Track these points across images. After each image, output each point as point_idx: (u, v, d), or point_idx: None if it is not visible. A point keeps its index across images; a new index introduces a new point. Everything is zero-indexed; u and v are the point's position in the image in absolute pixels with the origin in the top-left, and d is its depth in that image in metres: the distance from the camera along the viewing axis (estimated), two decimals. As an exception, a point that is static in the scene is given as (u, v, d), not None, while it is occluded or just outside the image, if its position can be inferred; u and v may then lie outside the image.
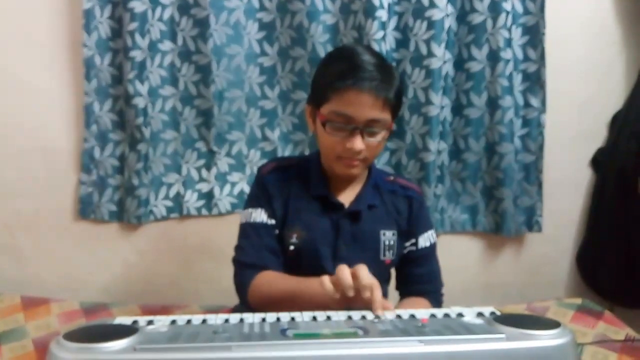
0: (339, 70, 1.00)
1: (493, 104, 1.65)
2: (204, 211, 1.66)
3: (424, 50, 1.58)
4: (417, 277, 1.16)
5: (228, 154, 1.66)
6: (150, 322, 0.71)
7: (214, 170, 1.66)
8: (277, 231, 1.09)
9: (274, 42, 1.62)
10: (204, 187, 1.66)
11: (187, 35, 1.57)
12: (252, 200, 1.13)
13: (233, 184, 1.68)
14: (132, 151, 1.57)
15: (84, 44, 1.53)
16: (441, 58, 1.58)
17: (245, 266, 1.07)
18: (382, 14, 1.53)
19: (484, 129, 1.69)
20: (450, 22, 1.60)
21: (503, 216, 1.71)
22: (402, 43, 1.63)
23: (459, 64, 1.66)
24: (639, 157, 1.67)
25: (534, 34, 1.66)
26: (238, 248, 1.11)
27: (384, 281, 1.15)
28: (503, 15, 1.58)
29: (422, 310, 0.79)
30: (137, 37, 1.50)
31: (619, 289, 1.74)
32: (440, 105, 1.61)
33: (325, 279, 0.84)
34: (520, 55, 1.67)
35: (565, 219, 1.83)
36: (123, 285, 1.68)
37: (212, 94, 1.58)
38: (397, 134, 1.68)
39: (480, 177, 1.73)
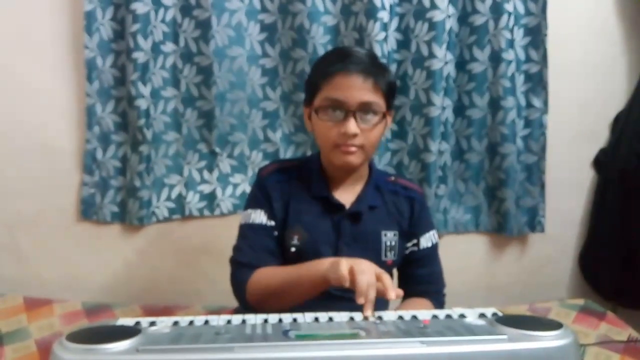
0: (328, 61, 1.04)
1: (495, 105, 1.65)
2: (206, 212, 1.66)
3: (425, 51, 1.58)
4: (419, 277, 1.16)
5: (230, 156, 1.66)
6: (152, 323, 0.71)
7: (215, 172, 1.66)
8: (276, 233, 1.10)
9: (275, 44, 1.62)
10: (205, 189, 1.66)
11: (189, 37, 1.57)
12: (252, 201, 1.13)
13: (235, 185, 1.68)
14: (134, 152, 1.57)
15: (86, 46, 1.53)
16: (442, 59, 1.58)
17: (241, 265, 1.07)
18: (383, 15, 1.54)
19: (486, 129, 1.69)
20: (451, 23, 1.60)
21: (505, 216, 1.71)
22: (403, 44, 1.63)
23: (461, 65, 1.66)
24: (642, 157, 1.67)
25: (536, 35, 1.66)
26: (236, 249, 1.11)
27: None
28: (505, 16, 1.58)
29: (424, 311, 0.79)
30: (140, 38, 1.50)
31: (622, 290, 1.74)
32: (441, 106, 1.61)
33: (343, 267, 0.83)
34: (522, 56, 1.67)
35: (568, 219, 1.83)
36: (125, 286, 1.68)
37: (214, 95, 1.59)
38: (398, 135, 1.68)
39: (482, 178, 1.73)
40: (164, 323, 0.71)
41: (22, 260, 1.64)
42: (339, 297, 1.00)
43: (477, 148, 1.71)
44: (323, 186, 1.11)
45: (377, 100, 1.02)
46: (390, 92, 1.06)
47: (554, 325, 0.68)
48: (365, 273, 0.82)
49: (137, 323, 0.71)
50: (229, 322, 0.73)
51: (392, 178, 1.19)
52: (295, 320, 0.75)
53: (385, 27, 1.55)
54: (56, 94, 1.59)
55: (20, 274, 1.64)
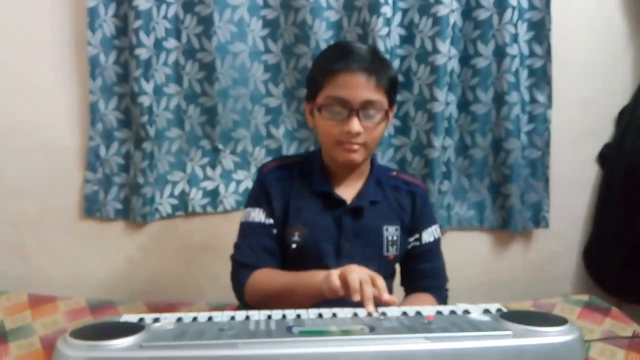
0: (330, 58, 1.04)
1: (499, 100, 1.64)
2: (209, 209, 1.66)
3: (429, 46, 1.58)
4: (422, 272, 1.16)
5: (233, 152, 1.66)
6: (156, 320, 0.71)
7: (218, 168, 1.66)
8: (275, 231, 1.10)
9: (278, 40, 1.61)
10: (209, 185, 1.66)
11: (192, 33, 1.57)
12: (252, 199, 1.13)
13: (238, 182, 1.68)
14: (137, 149, 1.57)
15: (89, 42, 1.53)
16: (446, 54, 1.57)
17: (241, 265, 1.08)
18: (386, 10, 1.53)
19: (490, 125, 1.68)
20: (455, 18, 1.59)
21: (510, 212, 1.70)
22: (407, 39, 1.62)
23: (465, 60, 1.65)
24: (646, 152, 1.66)
25: (540, 30, 1.65)
26: (236, 247, 1.12)
27: (388, 277, 1.14)
28: (509, 10, 1.57)
29: (428, 307, 0.79)
30: (142, 35, 1.50)
31: (626, 285, 1.73)
32: (445, 101, 1.60)
33: (334, 277, 0.84)
34: (526, 50, 1.66)
35: (572, 215, 1.83)
36: (129, 283, 1.68)
37: (217, 91, 1.58)
38: (401, 131, 1.68)
39: (487, 174, 1.73)
40: (167, 319, 0.71)
41: (26, 257, 1.64)
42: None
43: (481, 144, 1.70)
44: (324, 182, 1.10)
45: (379, 98, 1.02)
46: (392, 88, 1.06)
47: (559, 321, 0.67)
48: (355, 271, 0.83)
49: (141, 319, 0.71)
50: (232, 318, 0.73)
51: (394, 173, 1.19)
52: (299, 316, 0.75)
53: (388, 22, 1.54)
54: (59, 91, 1.59)
55: (25, 272, 1.64)
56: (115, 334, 0.61)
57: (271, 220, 1.09)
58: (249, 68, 1.60)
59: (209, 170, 1.66)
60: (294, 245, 1.08)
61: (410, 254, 1.16)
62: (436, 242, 1.18)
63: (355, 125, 0.99)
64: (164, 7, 1.54)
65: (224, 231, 1.62)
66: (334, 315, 0.75)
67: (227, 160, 1.66)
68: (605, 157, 1.79)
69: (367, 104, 1.00)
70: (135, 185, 1.58)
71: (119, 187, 1.62)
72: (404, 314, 0.76)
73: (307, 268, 0.99)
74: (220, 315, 0.74)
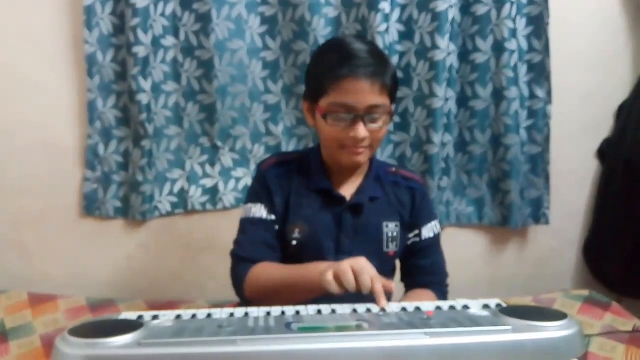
0: (333, 62, 1.01)
1: (498, 96, 1.64)
2: (209, 206, 1.66)
3: (428, 42, 1.57)
4: (422, 268, 1.16)
5: (232, 149, 1.66)
6: (155, 317, 0.71)
7: (218, 166, 1.66)
8: (277, 227, 1.09)
9: (276, 36, 1.61)
10: (208, 183, 1.66)
11: (190, 31, 1.57)
12: (252, 195, 1.13)
13: (237, 179, 1.68)
14: (136, 147, 1.57)
15: (86, 41, 1.52)
16: (445, 50, 1.57)
17: (241, 260, 1.07)
18: (385, 6, 1.52)
19: (489, 120, 1.68)
20: (454, 14, 1.58)
21: (509, 209, 1.70)
22: (406, 35, 1.61)
23: (464, 55, 1.65)
24: (646, 147, 1.65)
25: (539, 24, 1.64)
26: (236, 243, 1.11)
27: (388, 273, 1.14)
28: (507, 5, 1.57)
29: (427, 303, 0.79)
30: (140, 32, 1.49)
31: (626, 280, 1.73)
32: (444, 97, 1.60)
33: (328, 274, 0.84)
34: (525, 46, 1.66)
35: (572, 210, 1.82)
36: (129, 281, 1.68)
37: (215, 89, 1.58)
38: (401, 127, 1.68)
39: (486, 170, 1.72)
40: (166, 317, 0.71)
41: (26, 256, 1.64)
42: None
43: (481, 139, 1.69)
44: (323, 179, 1.10)
45: (383, 101, 1.01)
46: (394, 87, 1.06)
47: (559, 316, 0.67)
48: (366, 270, 0.82)
49: (140, 317, 0.71)
50: (231, 315, 0.73)
51: (393, 169, 1.19)
52: (298, 312, 0.75)
53: (387, 18, 1.54)
54: (57, 90, 1.59)
55: (25, 271, 1.64)
56: (114, 332, 0.61)
57: (272, 217, 1.09)
58: (247, 65, 1.60)
59: (208, 168, 1.66)
60: (294, 242, 1.08)
61: (410, 250, 1.16)
62: (436, 238, 1.18)
63: (362, 131, 0.99)
64: (161, 4, 1.53)
65: (223, 229, 1.62)
66: (333, 311, 0.75)
67: (226, 158, 1.66)
68: (605, 153, 1.78)
69: (372, 109, 1.00)
70: (134, 183, 1.58)
71: (119, 186, 1.62)
72: (404, 309, 0.76)
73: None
74: (219, 312, 0.74)
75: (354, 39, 1.06)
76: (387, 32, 1.55)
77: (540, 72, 1.67)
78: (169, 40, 1.57)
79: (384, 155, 1.67)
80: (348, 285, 0.82)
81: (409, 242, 1.15)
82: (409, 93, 1.63)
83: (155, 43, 1.54)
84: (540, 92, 1.68)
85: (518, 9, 1.60)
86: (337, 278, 0.83)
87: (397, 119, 1.67)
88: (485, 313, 0.72)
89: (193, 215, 1.68)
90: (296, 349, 0.60)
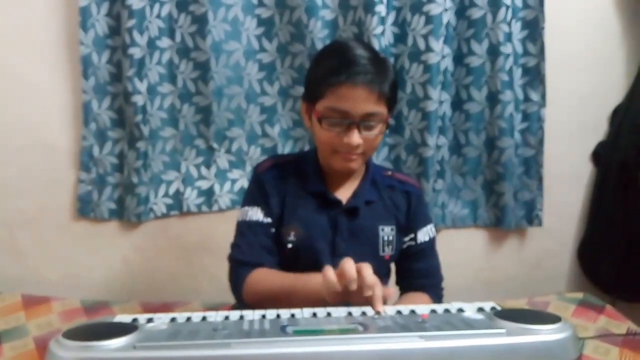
0: (332, 66, 1.00)
1: (493, 99, 1.65)
2: (204, 208, 1.66)
3: (422, 45, 1.58)
4: (417, 272, 1.16)
5: (228, 151, 1.66)
6: (150, 320, 0.71)
7: (213, 168, 1.65)
8: (273, 229, 1.09)
9: (272, 38, 1.61)
10: (203, 184, 1.66)
11: (186, 32, 1.56)
12: (249, 198, 1.13)
13: (233, 181, 1.68)
14: (131, 149, 1.57)
15: (81, 42, 1.52)
16: (439, 53, 1.57)
17: (239, 264, 1.07)
18: (381, 9, 1.53)
19: (484, 123, 1.69)
20: (449, 17, 1.59)
21: (503, 210, 1.70)
22: (400, 38, 1.62)
23: (459, 58, 1.66)
24: (640, 150, 1.66)
25: (534, 28, 1.65)
26: (234, 246, 1.11)
27: (383, 276, 1.14)
28: (503, 9, 1.58)
29: (422, 306, 0.79)
30: (136, 34, 1.49)
31: (621, 283, 1.74)
32: (438, 100, 1.61)
33: (329, 270, 0.82)
34: (519, 49, 1.67)
35: (566, 212, 1.83)
36: (124, 283, 1.67)
37: (211, 90, 1.58)
38: (395, 130, 1.68)
39: (480, 172, 1.73)
40: (161, 320, 0.71)
41: (20, 258, 1.63)
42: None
43: (475, 142, 1.70)
44: (319, 182, 1.10)
45: (380, 110, 1.01)
46: (393, 96, 1.05)
47: (553, 319, 0.68)
48: (348, 265, 0.81)
49: (135, 320, 0.71)
50: (226, 318, 0.73)
51: (389, 173, 1.19)
52: (293, 315, 0.75)
53: (382, 21, 1.54)
54: (51, 91, 1.58)
55: (19, 272, 1.63)
56: (108, 335, 0.61)
57: (269, 219, 1.09)
58: (243, 67, 1.60)
59: (203, 170, 1.66)
60: (289, 245, 1.08)
61: (405, 254, 1.16)
62: (431, 242, 1.18)
63: (355, 138, 0.99)
64: (157, 6, 1.53)
65: (219, 231, 1.63)
66: (328, 314, 0.75)
67: (222, 160, 1.66)
68: (599, 155, 1.79)
69: (367, 117, 1.00)
70: (129, 185, 1.58)
71: (113, 187, 1.62)
72: (399, 312, 0.76)
73: (303, 268, 0.99)
74: (214, 315, 0.74)
75: (356, 44, 1.04)
76: (383, 34, 1.55)
77: (534, 76, 1.68)
78: (165, 42, 1.56)
79: (379, 157, 1.67)
80: (350, 275, 0.79)
81: (405, 246, 1.15)
82: (403, 96, 1.64)
83: (151, 44, 1.54)
84: (534, 96, 1.69)
85: (513, 12, 1.61)
86: (339, 275, 0.82)
87: (391, 121, 1.66)
88: (479, 316, 0.72)
89: (188, 217, 1.67)
90: (291, 352, 0.60)
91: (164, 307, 1.50)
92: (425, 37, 1.56)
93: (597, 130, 1.80)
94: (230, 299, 1.11)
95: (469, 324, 0.68)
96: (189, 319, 0.72)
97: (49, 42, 1.56)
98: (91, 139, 1.58)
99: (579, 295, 1.62)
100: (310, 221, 1.08)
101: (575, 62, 1.74)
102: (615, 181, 1.71)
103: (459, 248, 1.76)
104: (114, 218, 1.63)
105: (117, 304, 1.52)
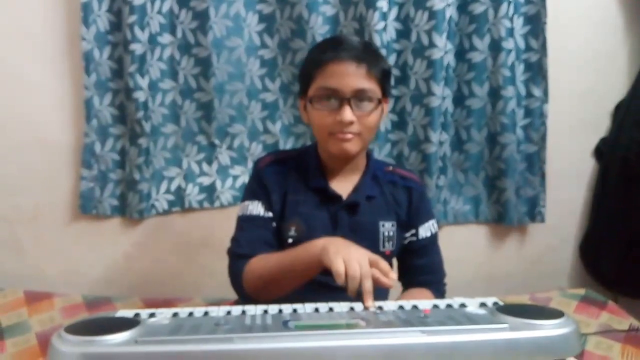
0: (321, 50, 1.04)
1: (495, 94, 1.64)
2: (206, 204, 1.66)
3: (425, 40, 1.57)
4: (419, 268, 1.16)
5: (229, 147, 1.66)
6: (152, 315, 0.71)
7: (215, 164, 1.65)
8: (274, 224, 1.09)
9: (274, 34, 1.61)
10: (205, 181, 1.66)
11: (187, 28, 1.56)
12: (249, 193, 1.12)
13: (235, 177, 1.67)
14: (133, 145, 1.57)
15: (83, 38, 1.51)
16: (442, 48, 1.57)
17: (238, 257, 1.06)
18: (382, 5, 1.52)
19: (486, 119, 1.68)
20: (451, 12, 1.58)
21: (506, 206, 1.70)
22: (403, 34, 1.61)
23: (461, 54, 1.65)
24: (642, 146, 1.66)
25: (536, 23, 1.64)
26: (233, 240, 1.11)
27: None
28: (505, 4, 1.57)
29: (424, 301, 0.79)
30: (137, 30, 1.49)
31: (623, 279, 1.74)
32: (441, 96, 1.60)
33: (338, 263, 0.81)
34: (522, 45, 1.66)
35: (568, 209, 1.83)
36: (125, 279, 1.68)
37: (213, 87, 1.58)
38: (398, 126, 1.68)
39: (482, 168, 1.73)
40: (163, 314, 0.71)
41: (22, 254, 1.64)
42: (339, 288, 1.00)
43: (477, 138, 1.70)
44: (320, 177, 1.10)
45: (371, 86, 1.01)
46: (385, 79, 1.05)
47: (555, 314, 0.67)
48: (356, 260, 0.81)
49: (136, 315, 0.71)
50: (228, 313, 0.73)
51: (390, 168, 1.18)
52: (295, 310, 0.74)
53: (384, 16, 1.54)
54: (53, 87, 1.58)
55: (21, 269, 1.63)
56: (111, 329, 0.61)
57: (270, 214, 1.09)
58: (245, 63, 1.59)
59: (205, 166, 1.66)
60: (290, 240, 1.07)
61: (407, 249, 1.16)
62: (433, 237, 1.17)
63: (348, 114, 0.99)
64: (158, 2, 1.52)
65: (220, 227, 1.62)
66: (331, 309, 0.75)
67: (224, 156, 1.66)
68: (602, 151, 1.79)
69: (358, 93, 1.00)
70: (131, 182, 1.58)
71: (115, 184, 1.62)
72: (401, 307, 0.76)
73: None
74: (217, 310, 0.73)
75: (349, 35, 1.06)
76: (384, 30, 1.55)
77: (537, 71, 1.68)
78: (166, 38, 1.56)
79: (382, 154, 1.67)
80: (351, 283, 0.80)
81: (406, 242, 1.15)
82: (406, 92, 1.63)
83: (152, 40, 1.54)
84: (537, 91, 1.69)
85: (515, 8, 1.60)
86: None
87: (394, 117, 1.67)
88: (482, 311, 0.72)
89: (190, 213, 1.67)
90: (293, 346, 0.60)
91: (166, 303, 1.50)
92: (429, 32, 1.56)
93: (599, 126, 1.80)
94: (232, 295, 1.11)
95: (472, 319, 0.68)
96: (191, 314, 0.72)
97: (50, 38, 1.56)
98: (93, 136, 1.58)
99: (581, 291, 1.62)
100: (311, 217, 1.08)
101: (577, 58, 1.74)
102: (617, 177, 1.71)
103: (460, 244, 1.75)
104: (116, 215, 1.63)
105: (119, 300, 1.52)
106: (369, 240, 1.09)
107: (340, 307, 0.76)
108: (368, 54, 1.02)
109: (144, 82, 1.53)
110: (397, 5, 1.59)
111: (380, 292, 0.82)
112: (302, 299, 0.79)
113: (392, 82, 1.63)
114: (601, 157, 1.79)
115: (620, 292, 1.77)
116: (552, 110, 1.70)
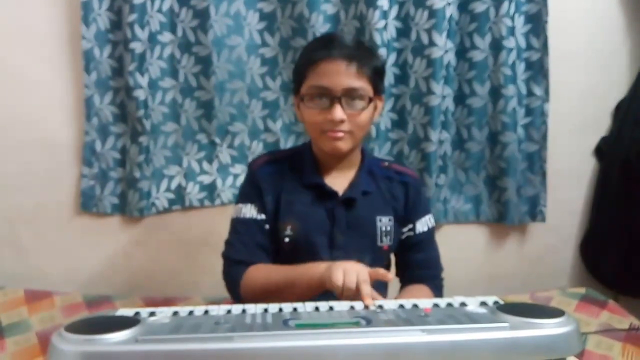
0: (313, 48, 1.05)
1: (496, 93, 1.64)
2: (206, 202, 1.66)
3: (425, 39, 1.57)
4: (417, 262, 1.16)
5: (230, 146, 1.66)
6: (152, 314, 0.71)
7: (215, 162, 1.65)
8: (267, 226, 1.09)
9: (274, 33, 1.60)
10: (205, 179, 1.66)
11: (187, 27, 1.56)
12: (243, 195, 1.13)
13: (235, 176, 1.67)
14: (133, 144, 1.57)
15: (83, 36, 1.51)
16: (442, 47, 1.56)
17: (234, 263, 1.07)
18: (383, 3, 1.52)
19: (486, 118, 1.68)
20: (451, 11, 1.58)
21: (506, 206, 1.70)
22: (403, 32, 1.61)
23: (462, 53, 1.65)
24: (643, 145, 1.65)
25: (537, 22, 1.64)
26: (228, 243, 1.11)
27: (383, 267, 1.14)
28: (506, 3, 1.57)
29: (425, 300, 0.78)
30: (137, 28, 1.49)
31: (623, 278, 1.74)
32: (441, 94, 1.60)
33: (337, 275, 0.86)
34: (523, 43, 1.66)
35: (569, 208, 1.83)
36: (126, 278, 1.68)
37: (213, 85, 1.58)
38: (398, 124, 1.67)
39: (483, 167, 1.73)
40: (163, 313, 0.71)
41: (22, 253, 1.64)
42: None
43: (478, 137, 1.69)
44: (315, 174, 1.10)
45: (362, 85, 1.01)
46: (377, 77, 1.05)
47: (556, 313, 0.67)
48: (353, 273, 0.85)
49: (137, 313, 0.71)
50: (228, 312, 0.73)
51: (386, 164, 1.18)
52: (295, 309, 0.74)
53: (385, 15, 1.54)
54: (54, 85, 1.58)
55: (21, 267, 1.64)
56: (111, 328, 0.61)
57: (263, 216, 1.09)
58: (245, 62, 1.59)
59: (205, 164, 1.66)
60: (286, 240, 1.07)
61: (404, 244, 1.16)
62: (430, 232, 1.17)
63: (338, 112, 0.99)
64: (158, 0, 1.52)
65: (221, 225, 1.60)
66: (331, 308, 0.75)
67: (224, 154, 1.66)
68: (602, 151, 1.79)
69: (349, 91, 1.00)
70: (131, 180, 1.58)
71: (116, 182, 1.62)
72: (401, 306, 0.76)
73: (301, 261, 0.99)
74: (217, 309, 0.73)
75: (342, 33, 1.07)
76: (385, 29, 1.55)
77: (538, 70, 1.67)
78: (166, 36, 1.56)
79: (382, 152, 1.66)
80: (350, 285, 0.84)
81: (403, 237, 1.15)
82: (406, 90, 1.63)
83: (152, 39, 1.54)
84: (538, 90, 1.68)
85: (516, 6, 1.60)
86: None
87: (394, 116, 1.67)
88: (482, 310, 0.72)
89: (190, 211, 1.67)
90: (293, 345, 0.60)
91: (166, 302, 1.51)
92: (429, 31, 1.56)
93: (600, 126, 1.79)
94: (233, 294, 1.11)
95: (472, 318, 0.68)
96: (191, 312, 0.72)
97: (50, 37, 1.56)
98: (93, 134, 1.58)
99: (582, 290, 1.62)
100: (307, 214, 1.08)
101: (579, 57, 1.73)
102: (618, 177, 1.71)
103: (461, 243, 1.75)
104: (116, 213, 1.63)
105: (119, 299, 1.52)
106: (366, 235, 1.10)
107: (341, 306, 0.76)
108: (359, 52, 1.02)
109: (144, 81, 1.52)
110: (397, 3, 1.59)
111: (379, 289, 0.82)
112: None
113: (392, 80, 1.63)
114: (602, 156, 1.79)
115: (621, 291, 1.77)
116: (553, 110, 1.70)
